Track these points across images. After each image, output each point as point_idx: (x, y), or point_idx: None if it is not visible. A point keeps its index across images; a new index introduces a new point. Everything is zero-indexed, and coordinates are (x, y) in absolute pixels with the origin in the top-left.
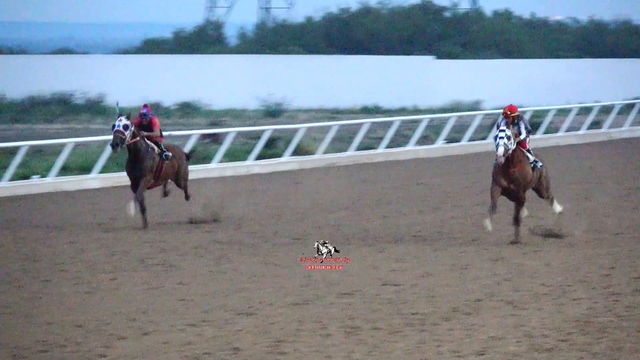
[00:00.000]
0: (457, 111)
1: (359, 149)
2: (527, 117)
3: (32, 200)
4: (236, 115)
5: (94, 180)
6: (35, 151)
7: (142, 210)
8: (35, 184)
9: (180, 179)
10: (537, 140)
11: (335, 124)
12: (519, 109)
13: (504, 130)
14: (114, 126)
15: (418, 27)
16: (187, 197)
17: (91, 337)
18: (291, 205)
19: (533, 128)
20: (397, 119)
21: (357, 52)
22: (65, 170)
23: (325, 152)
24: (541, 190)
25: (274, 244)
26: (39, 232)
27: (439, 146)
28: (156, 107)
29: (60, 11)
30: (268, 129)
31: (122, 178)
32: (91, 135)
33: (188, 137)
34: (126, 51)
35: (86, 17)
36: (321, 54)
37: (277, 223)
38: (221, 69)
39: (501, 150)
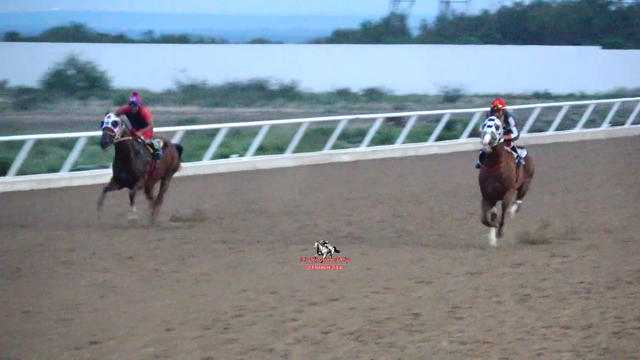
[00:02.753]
0: (621, 97)
1: (531, 131)
2: None
3: (230, 178)
4: (417, 100)
5: (287, 159)
6: (234, 132)
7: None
8: (234, 163)
9: (168, 175)
10: None
11: (509, 108)
12: None
13: (493, 120)
14: (102, 123)
15: (585, 19)
16: (160, 198)
17: (284, 302)
18: (467, 183)
19: None
20: (566, 104)
21: (529, 42)
22: (261, 150)
23: None
24: (524, 183)
25: (452, 218)
26: (238, 206)
27: (604, 129)
28: (344, 93)
29: (257, 4)
30: (447, 113)
31: (313, 158)
32: (285, 118)
33: (374, 120)
34: (317, 41)
35: (281, 10)
36: (496, 44)
37: (454, 199)
38: (404, 58)
39: (488, 137)
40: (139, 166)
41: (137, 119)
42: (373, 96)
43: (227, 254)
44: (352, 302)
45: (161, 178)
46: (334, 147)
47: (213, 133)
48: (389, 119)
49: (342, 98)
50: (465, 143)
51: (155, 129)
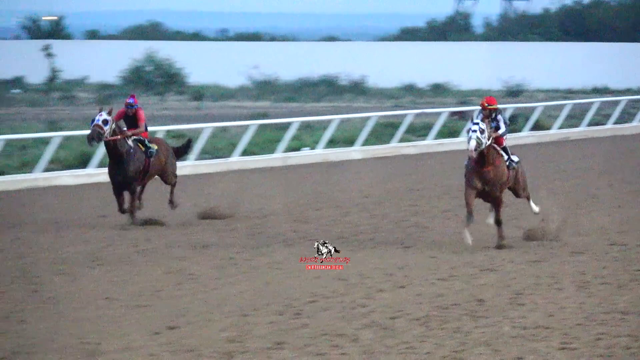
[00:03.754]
0: None
1: (590, 124)
2: None
3: (301, 170)
4: (482, 95)
5: (356, 152)
6: (305, 126)
7: (133, 209)
8: (305, 155)
9: (168, 174)
10: None
11: (569, 102)
12: None
13: (477, 124)
14: (93, 120)
15: None
16: (171, 200)
17: (353, 289)
18: (529, 174)
19: None
20: (624, 99)
21: (589, 39)
22: (331, 143)
23: (560, 128)
24: (517, 190)
25: (514, 208)
26: (308, 198)
27: None
28: (411, 88)
29: (328, 3)
30: (509, 107)
31: (381, 150)
32: (354, 112)
33: (439, 114)
34: (385, 38)
35: (350, 9)
36: (556, 41)
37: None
38: (468, 54)
39: (473, 143)
40: (133, 167)
41: (134, 121)
42: (438, 91)
43: (299, 243)
44: (418, 288)
45: (163, 179)
46: (401, 140)
47: (285, 127)
48: (453, 113)
49: (409, 93)
50: (527, 136)
51: (180, 127)
